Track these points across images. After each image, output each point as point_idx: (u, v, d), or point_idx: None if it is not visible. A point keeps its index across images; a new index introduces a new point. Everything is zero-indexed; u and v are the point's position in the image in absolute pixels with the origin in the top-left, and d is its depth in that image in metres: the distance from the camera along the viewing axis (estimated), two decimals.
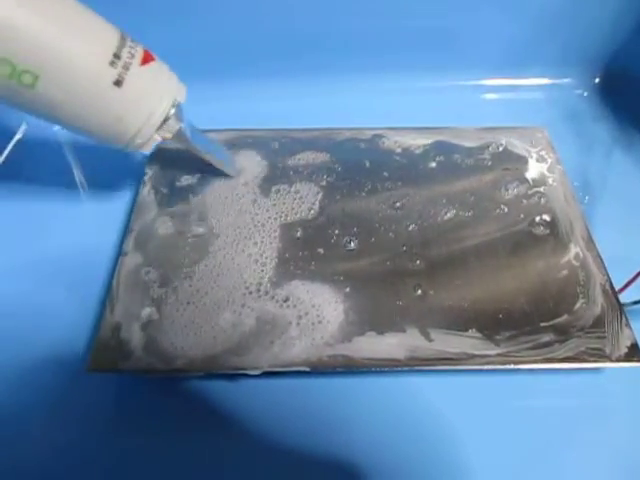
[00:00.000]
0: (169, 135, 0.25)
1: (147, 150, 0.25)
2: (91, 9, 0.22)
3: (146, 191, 0.28)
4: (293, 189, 0.29)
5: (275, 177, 0.29)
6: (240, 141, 0.31)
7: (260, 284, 0.25)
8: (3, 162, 0.32)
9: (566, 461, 0.23)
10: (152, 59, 0.23)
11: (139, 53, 0.23)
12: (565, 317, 0.24)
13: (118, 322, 0.23)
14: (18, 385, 0.24)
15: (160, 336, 0.23)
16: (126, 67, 0.22)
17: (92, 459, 0.23)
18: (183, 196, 0.28)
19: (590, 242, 0.26)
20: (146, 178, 0.29)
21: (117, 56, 0.22)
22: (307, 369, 0.22)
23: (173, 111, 0.24)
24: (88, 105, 0.22)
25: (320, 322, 0.23)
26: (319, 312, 0.24)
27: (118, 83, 0.22)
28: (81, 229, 0.30)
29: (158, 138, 0.25)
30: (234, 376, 0.24)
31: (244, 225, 0.27)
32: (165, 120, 0.24)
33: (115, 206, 0.30)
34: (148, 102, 0.23)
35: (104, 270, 0.27)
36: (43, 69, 0.20)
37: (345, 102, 0.35)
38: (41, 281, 0.27)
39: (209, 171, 0.29)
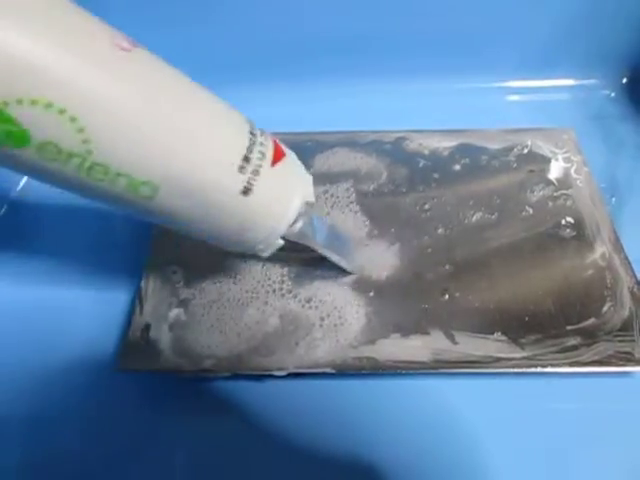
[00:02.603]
0: (292, 236, 0.22)
1: (268, 254, 0.22)
2: (216, 96, 0.19)
3: None
4: (321, 190, 0.29)
5: None
6: None
7: (282, 282, 0.25)
8: None
9: (592, 466, 0.22)
10: (283, 155, 0.20)
11: (270, 150, 0.19)
12: (592, 320, 0.23)
13: (147, 322, 0.24)
14: (49, 385, 0.25)
15: (188, 336, 0.23)
16: (256, 172, 0.18)
17: (121, 457, 0.23)
18: None
19: (617, 244, 0.26)
20: None
21: (247, 159, 0.18)
22: (332, 371, 0.23)
23: (303, 211, 0.21)
24: (209, 214, 0.19)
25: (342, 324, 0.24)
26: (341, 314, 0.24)
27: (246, 192, 0.18)
28: (113, 231, 0.30)
29: (281, 242, 0.21)
30: (259, 377, 0.24)
31: None
32: (294, 223, 0.21)
33: None
34: (276, 209, 0.20)
35: (134, 270, 0.28)
36: (164, 181, 0.17)
37: (368, 105, 0.35)
38: (71, 282, 0.28)
39: None
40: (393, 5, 0.33)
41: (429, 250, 0.26)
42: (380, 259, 0.26)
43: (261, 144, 0.19)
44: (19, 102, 0.13)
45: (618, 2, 0.33)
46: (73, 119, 0.14)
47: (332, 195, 0.28)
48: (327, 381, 0.24)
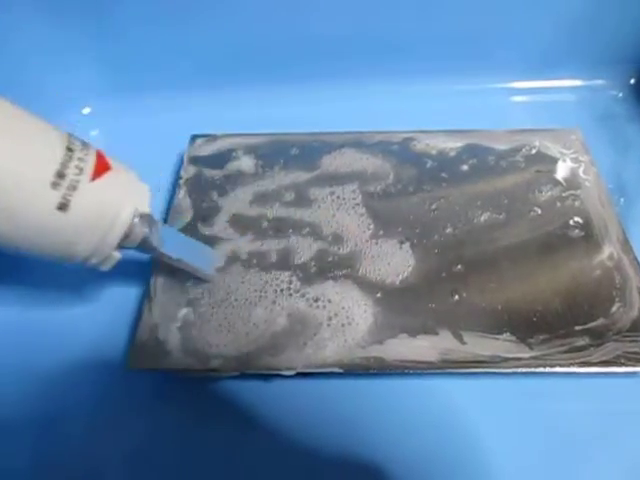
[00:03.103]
0: (133, 246, 0.22)
1: (107, 267, 0.22)
2: (26, 111, 0.19)
3: (181, 195, 0.29)
4: (327, 191, 0.29)
5: (310, 180, 0.30)
6: (272, 145, 0.31)
7: (290, 282, 0.25)
8: None
9: (600, 466, 0.22)
10: (107, 168, 0.20)
11: (90, 165, 0.19)
12: (601, 320, 0.23)
13: (156, 322, 0.24)
14: (59, 385, 0.25)
15: (196, 336, 0.24)
16: (72, 187, 0.18)
17: (130, 456, 0.23)
18: (216, 198, 0.29)
19: (626, 244, 0.26)
20: (181, 182, 0.30)
21: (61, 175, 0.18)
22: (340, 370, 0.23)
23: (135, 222, 0.21)
24: (30, 232, 0.19)
25: (350, 324, 0.24)
26: (349, 314, 0.24)
27: (62, 207, 0.18)
28: None
29: (117, 255, 0.21)
30: (268, 376, 0.24)
31: None
32: (126, 236, 0.21)
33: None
34: (101, 222, 0.20)
35: (143, 270, 0.28)
36: None
37: (375, 106, 0.35)
38: (81, 282, 0.28)
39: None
40: (400, 8, 0.33)
41: (436, 250, 0.26)
42: (388, 259, 0.26)
43: (79, 159, 0.19)
44: None
45: (624, 2, 0.33)
46: None
47: (338, 197, 0.29)
48: (335, 381, 0.24)
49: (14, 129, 0.18)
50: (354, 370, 0.23)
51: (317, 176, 0.30)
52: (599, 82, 0.37)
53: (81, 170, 0.19)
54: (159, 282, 0.25)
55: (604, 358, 0.22)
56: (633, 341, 0.23)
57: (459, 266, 0.25)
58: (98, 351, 0.26)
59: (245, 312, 0.24)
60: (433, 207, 0.28)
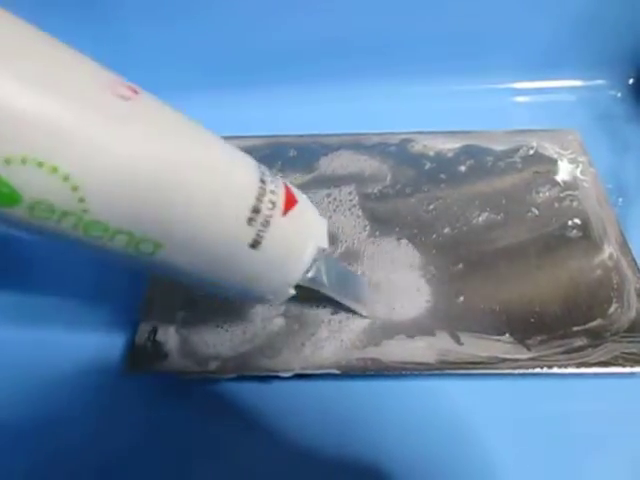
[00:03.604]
0: (304, 283, 0.20)
1: (277, 304, 0.21)
2: (225, 142, 0.17)
3: None
4: (324, 193, 0.29)
5: (307, 182, 0.30)
6: (270, 147, 0.32)
7: None
8: None
9: (598, 467, 0.22)
10: (295, 201, 0.19)
11: (281, 198, 0.18)
12: (599, 321, 0.23)
13: (154, 324, 0.24)
14: (58, 388, 0.25)
15: (194, 337, 0.24)
16: (266, 223, 0.17)
17: (128, 458, 0.23)
18: None
19: (624, 245, 0.26)
20: None
21: (256, 210, 0.17)
22: (337, 372, 0.23)
23: (316, 260, 0.20)
24: (215, 269, 0.18)
25: (348, 325, 0.24)
26: (347, 314, 0.24)
27: (255, 245, 0.17)
28: None
29: (292, 292, 0.20)
30: (265, 378, 0.24)
31: None
32: (305, 273, 0.20)
33: None
34: (288, 261, 0.19)
35: (140, 273, 0.28)
36: (167, 237, 0.16)
37: (373, 107, 0.35)
38: (79, 285, 0.28)
39: None
40: (397, 7, 0.33)
41: (434, 251, 0.26)
42: (384, 259, 0.26)
43: (272, 192, 0.18)
44: (7, 162, 0.12)
45: (624, 2, 0.33)
46: (66, 177, 0.13)
47: (335, 199, 0.29)
48: (332, 382, 0.24)
49: (213, 157, 0.17)
50: (351, 371, 0.23)
51: (314, 178, 0.30)
52: (598, 82, 0.37)
53: (274, 204, 0.17)
54: (157, 284, 0.25)
55: (602, 359, 0.22)
56: (631, 342, 0.23)
57: (456, 266, 0.25)
58: (96, 354, 0.26)
59: (243, 313, 0.24)
60: (431, 208, 0.28)
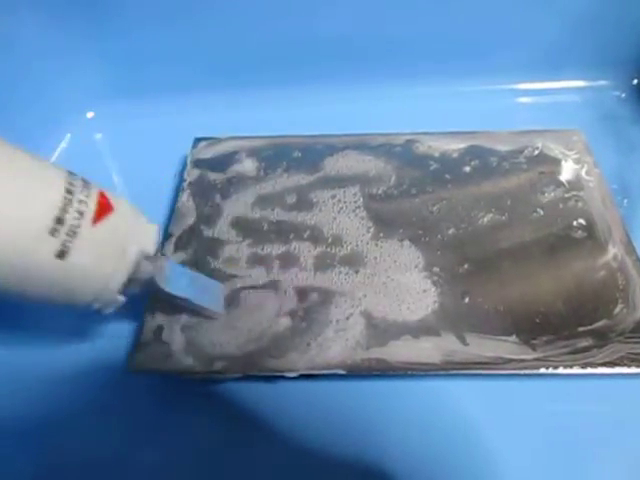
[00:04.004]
0: (137, 289, 0.21)
1: (110, 311, 0.21)
2: (19, 148, 0.18)
3: (185, 198, 0.29)
4: (329, 194, 0.29)
5: (312, 183, 0.30)
6: (275, 148, 0.32)
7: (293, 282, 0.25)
8: None
9: (603, 467, 0.22)
10: (109, 210, 0.19)
11: (91, 207, 0.18)
12: (604, 322, 0.23)
13: (159, 324, 0.24)
14: (63, 386, 0.25)
15: (199, 337, 0.24)
16: (72, 232, 0.17)
17: (133, 457, 0.23)
18: (219, 200, 0.29)
19: (629, 246, 0.26)
20: (185, 185, 0.30)
21: (60, 221, 0.17)
22: (343, 372, 0.23)
23: (139, 266, 0.20)
24: (28, 282, 0.18)
25: (353, 326, 0.24)
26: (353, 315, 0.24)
27: (61, 255, 0.17)
28: None
29: (121, 299, 0.21)
30: (271, 378, 0.24)
31: None
32: (129, 280, 0.20)
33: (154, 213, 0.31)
34: (102, 269, 0.19)
35: None
36: None
37: (378, 108, 0.35)
38: None
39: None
40: (402, 9, 0.33)
41: (438, 252, 0.26)
42: (389, 260, 0.26)
43: (80, 201, 0.18)
44: None
45: (627, 3, 0.33)
46: None
47: (339, 200, 0.29)
48: (338, 382, 0.24)
49: (8, 169, 0.17)
50: (357, 372, 0.23)
51: (319, 179, 0.30)
52: (602, 83, 0.37)
53: (82, 214, 0.18)
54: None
55: (607, 359, 0.22)
56: (637, 342, 0.23)
57: (461, 267, 0.25)
58: (102, 353, 0.26)
59: (249, 313, 0.24)
60: (435, 208, 0.28)
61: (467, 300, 0.24)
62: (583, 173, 0.29)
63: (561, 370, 0.22)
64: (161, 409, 0.25)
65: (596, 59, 0.36)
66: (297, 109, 0.35)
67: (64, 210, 0.17)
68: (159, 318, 0.24)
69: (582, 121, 0.34)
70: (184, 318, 0.24)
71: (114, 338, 0.26)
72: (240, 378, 0.24)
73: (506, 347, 0.23)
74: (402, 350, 0.23)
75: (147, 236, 0.21)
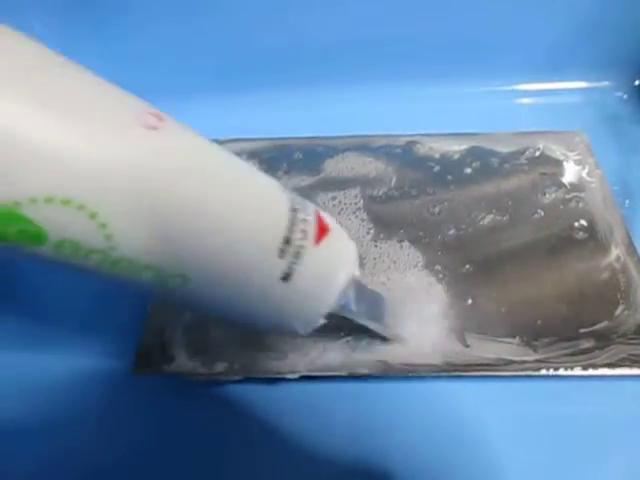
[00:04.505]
0: (334, 312, 0.19)
1: (305, 334, 0.19)
2: (254, 170, 0.17)
3: None
4: (329, 196, 0.29)
5: (313, 184, 0.30)
6: (276, 150, 0.32)
7: None
8: None
9: (605, 469, 0.22)
10: (327, 229, 0.17)
11: (312, 226, 0.17)
12: (605, 323, 0.23)
13: (161, 326, 0.24)
14: (65, 388, 0.25)
15: (201, 339, 0.24)
16: (297, 254, 0.16)
17: (135, 459, 0.23)
18: None
19: (631, 247, 0.26)
20: None
21: (287, 241, 0.16)
22: (344, 374, 0.23)
23: (348, 288, 0.18)
24: (244, 303, 0.17)
25: (355, 327, 0.24)
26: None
27: (286, 278, 0.16)
28: None
29: (323, 321, 0.19)
30: (272, 380, 0.24)
31: None
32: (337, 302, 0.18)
33: None
34: (319, 292, 0.18)
35: None
36: (195, 272, 0.15)
37: (379, 109, 0.35)
38: (88, 286, 0.28)
39: None
40: (403, 11, 0.33)
41: (439, 254, 0.26)
42: (388, 262, 0.26)
43: (303, 220, 0.16)
44: (32, 201, 0.12)
45: (629, 4, 0.33)
46: (93, 215, 0.13)
47: (340, 202, 0.29)
48: (338, 384, 0.24)
49: (244, 188, 0.16)
50: (358, 373, 0.23)
51: (320, 180, 0.30)
52: (604, 84, 0.37)
53: (305, 233, 0.16)
54: None
55: (609, 361, 0.22)
56: (638, 344, 0.23)
57: (462, 269, 0.25)
58: (104, 355, 0.26)
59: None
60: (436, 210, 0.28)
61: (468, 301, 0.24)
62: (584, 174, 0.29)
63: (562, 372, 0.22)
64: (163, 411, 0.25)
65: (598, 60, 0.36)
66: (298, 111, 0.35)
67: (291, 229, 0.16)
68: (161, 320, 0.24)
69: (584, 122, 0.34)
70: (186, 320, 0.24)
71: (116, 340, 0.26)
72: (242, 380, 0.24)
73: (507, 348, 0.23)
74: (403, 351, 0.23)
75: (353, 255, 0.19)
